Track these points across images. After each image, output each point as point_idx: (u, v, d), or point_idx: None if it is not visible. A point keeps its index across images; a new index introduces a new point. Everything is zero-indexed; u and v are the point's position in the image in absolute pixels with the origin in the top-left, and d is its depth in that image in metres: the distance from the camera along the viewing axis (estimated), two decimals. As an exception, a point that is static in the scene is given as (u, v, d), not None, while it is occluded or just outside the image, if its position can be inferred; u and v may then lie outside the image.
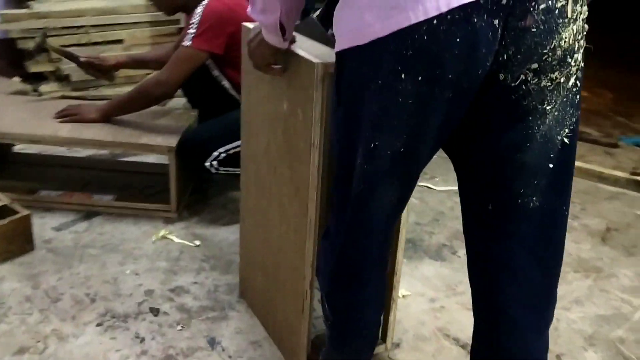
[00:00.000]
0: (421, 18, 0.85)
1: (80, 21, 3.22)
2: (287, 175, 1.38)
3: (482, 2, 0.83)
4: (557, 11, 0.87)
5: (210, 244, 2.07)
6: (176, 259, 1.97)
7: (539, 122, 0.95)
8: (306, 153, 1.27)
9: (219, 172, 2.09)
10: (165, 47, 2.53)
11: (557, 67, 0.91)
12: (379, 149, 0.97)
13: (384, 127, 0.95)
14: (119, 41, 3.40)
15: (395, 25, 0.87)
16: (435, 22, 0.85)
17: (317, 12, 1.34)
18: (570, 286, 1.97)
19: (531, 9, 0.85)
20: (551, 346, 1.58)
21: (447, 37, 0.85)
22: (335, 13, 1.00)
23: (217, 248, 2.04)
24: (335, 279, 1.17)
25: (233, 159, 2.07)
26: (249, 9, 1.19)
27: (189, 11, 2.18)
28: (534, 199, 0.99)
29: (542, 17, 0.86)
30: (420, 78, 0.89)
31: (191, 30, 2.07)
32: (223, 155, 2.06)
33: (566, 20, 0.88)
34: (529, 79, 0.91)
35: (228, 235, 2.13)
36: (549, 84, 0.92)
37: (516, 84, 0.91)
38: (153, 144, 2.11)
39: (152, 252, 2.00)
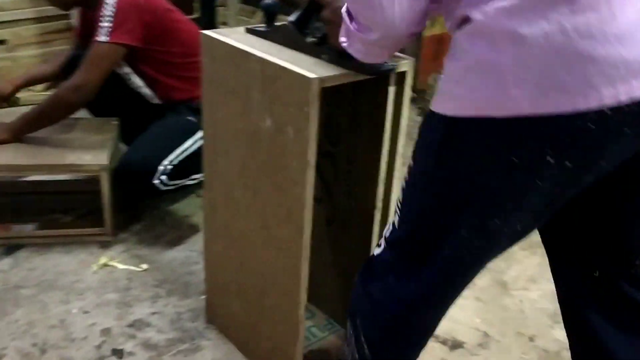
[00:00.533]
0: (593, 105, 0.76)
1: (-46, 22, 2.83)
2: (274, 197, 1.27)
3: None
4: None
5: (159, 266, 1.91)
6: (126, 288, 1.79)
7: None
8: (299, 173, 1.18)
9: (169, 187, 1.92)
10: (60, 56, 2.26)
11: None
12: (496, 226, 0.89)
13: (507, 207, 0.87)
14: (2, 42, 3.03)
15: (553, 107, 0.76)
16: (609, 112, 0.76)
17: (293, 17, 1.23)
18: (522, 265, 2.05)
19: None
20: (521, 329, 1.63)
21: (618, 128, 0.78)
22: (453, 69, 0.87)
23: (168, 270, 1.89)
24: (394, 333, 1.07)
25: (179, 170, 1.93)
26: (340, 37, 1.01)
27: (91, 4, 1.97)
28: None
29: None
30: (570, 164, 0.81)
31: (105, 24, 1.87)
32: (169, 167, 1.90)
33: None
34: None
35: (176, 254, 1.98)
36: None
37: None
38: (82, 163, 1.89)
39: (97, 283, 1.80)
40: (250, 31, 1.35)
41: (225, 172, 1.41)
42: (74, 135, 2.04)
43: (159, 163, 1.89)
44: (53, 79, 2.22)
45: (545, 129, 0.78)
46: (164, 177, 1.90)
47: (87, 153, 1.93)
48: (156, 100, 2.16)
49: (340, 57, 1.12)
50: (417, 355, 1.12)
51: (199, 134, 1.97)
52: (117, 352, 1.55)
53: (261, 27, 1.34)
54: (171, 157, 1.91)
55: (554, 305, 1.83)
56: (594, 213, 0.96)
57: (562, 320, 1.14)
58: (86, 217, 2.07)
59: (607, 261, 0.99)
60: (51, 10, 3.16)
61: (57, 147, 1.95)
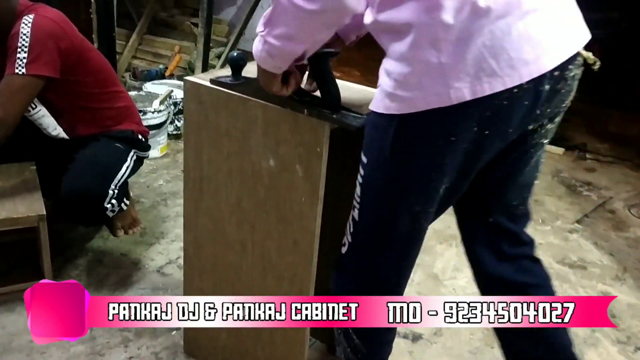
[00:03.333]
0: (516, 83, 0.98)
1: None
2: (276, 230, 1.37)
3: (548, 73, 1.00)
4: (576, 76, 1.09)
5: (115, 309, 1.87)
6: (91, 338, 1.74)
7: (538, 153, 1.19)
8: (309, 207, 1.29)
9: (114, 211, 1.92)
10: None
11: (561, 112, 1.14)
12: (436, 188, 1.09)
13: (444, 171, 1.07)
14: None
15: (488, 89, 0.97)
16: (515, 90, 0.99)
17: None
18: (444, 257, 2.32)
19: (565, 77, 1.05)
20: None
21: (520, 101, 1.01)
22: (397, 74, 1.02)
23: (127, 312, 1.86)
24: None
25: (120, 194, 1.95)
26: (258, 28, 1.11)
27: (2, 34, 1.85)
28: (521, 207, 1.26)
29: (569, 82, 1.07)
30: (487, 132, 1.03)
31: (21, 55, 1.78)
32: (116, 191, 1.91)
33: (576, 82, 1.11)
34: (544, 124, 1.12)
35: (128, 294, 1.95)
36: (553, 126, 1.15)
37: (535, 128, 1.12)
38: (18, 216, 1.79)
39: (58, 338, 1.73)
40: (216, 82, 1.36)
41: (213, 209, 1.46)
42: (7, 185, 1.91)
43: (108, 187, 1.89)
44: None
45: (478, 108, 0.99)
46: (114, 201, 1.90)
47: (20, 204, 1.83)
48: (62, 135, 2.10)
49: (319, 111, 1.22)
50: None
51: (129, 160, 2.03)
52: (109, 404, 1.53)
53: (226, 78, 1.36)
54: (115, 181, 1.93)
55: (481, 289, 2.13)
56: (490, 176, 1.20)
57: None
58: (18, 271, 1.95)
59: (498, 209, 1.25)
60: None
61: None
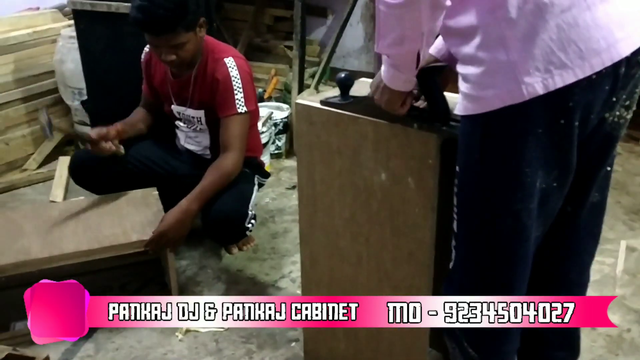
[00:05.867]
0: (588, 73, 1.00)
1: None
2: (391, 242, 1.41)
3: (626, 57, 1.01)
4: None
5: (237, 323, 1.98)
6: (217, 350, 1.86)
7: (615, 144, 1.18)
8: (422, 217, 1.33)
9: (251, 229, 2.18)
10: (138, 113, 2.32)
11: (634, 100, 1.13)
12: (532, 183, 1.09)
13: (536, 165, 1.07)
14: (-8, 126, 3.00)
15: (560, 82, 0.99)
16: (594, 76, 1.00)
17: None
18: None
19: (639, 61, 1.05)
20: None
21: (601, 86, 1.02)
22: (472, 76, 1.06)
23: (248, 325, 1.97)
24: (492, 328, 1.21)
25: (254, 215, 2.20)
26: (376, 47, 1.17)
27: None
28: (597, 194, 1.24)
29: None
30: (576, 123, 1.04)
31: (239, 95, 2.08)
32: (253, 212, 2.16)
33: None
34: (622, 114, 1.12)
35: (247, 308, 2.06)
36: (630, 116, 1.14)
37: (614, 119, 1.12)
38: (146, 238, 1.94)
39: (188, 351, 1.86)
40: (326, 103, 1.43)
41: (328, 225, 1.53)
42: (126, 210, 2.09)
43: (247, 208, 2.12)
44: (141, 127, 2.28)
45: (557, 100, 1.00)
46: (253, 221, 2.16)
47: (148, 227, 1.98)
48: (206, 154, 2.30)
49: (429, 125, 1.25)
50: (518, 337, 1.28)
51: (255, 184, 2.26)
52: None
53: (334, 98, 1.42)
54: (251, 203, 2.16)
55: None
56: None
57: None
58: (146, 289, 2.11)
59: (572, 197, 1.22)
60: (37, 87, 3.16)
61: (118, 227, 2.00)
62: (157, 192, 2.23)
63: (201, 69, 2.13)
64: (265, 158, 3.13)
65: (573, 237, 1.29)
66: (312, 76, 3.66)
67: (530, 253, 1.20)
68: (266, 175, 2.42)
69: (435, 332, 1.45)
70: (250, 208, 2.14)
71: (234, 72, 2.08)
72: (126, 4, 2.49)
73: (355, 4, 3.51)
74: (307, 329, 1.74)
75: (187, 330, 1.94)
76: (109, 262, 2.22)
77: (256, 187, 2.27)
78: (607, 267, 2.22)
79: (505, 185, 1.11)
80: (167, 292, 2.04)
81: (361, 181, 1.41)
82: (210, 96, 2.12)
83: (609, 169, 1.22)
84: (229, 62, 2.10)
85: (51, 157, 3.19)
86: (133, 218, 2.05)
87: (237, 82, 2.07)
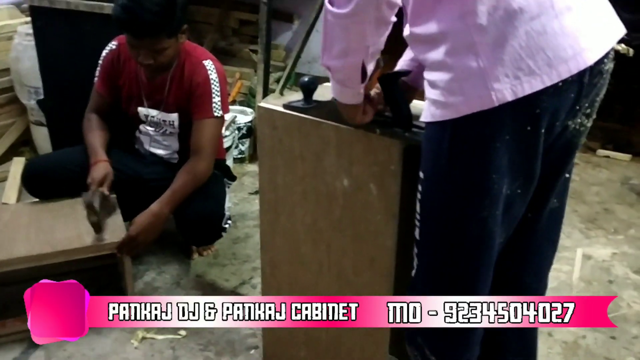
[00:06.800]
0: (555, 80, 1.01)
1: None
2: (352, 248, 1.40)
3: (590, 66, 1.03)
4: (609, 70, 1.10)
5: (196, 329, 1.93)
6: (174, 358, 1.81)
7: (575, 151, 1.20)
8: (384, 224, 1.32)
9: (226, 229, 2.23)
10: (93, 120, 2.18)
11: (595, 108, 1.15)
12: (499, 190, 1.09)
13: (503, 172, 1.07)
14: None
15: (528, 89, 1.00)
16: (560, 84, 1.01)
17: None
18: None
19: (601, 70, 1.08)
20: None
21: (567, 94, 1.04)
22: (440, 82, 1.05)
23: (206, 331, 1.92)
24: (456, 334, 1.20)
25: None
26: (321, 60, 1.17)
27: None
28: (556, 201, 1.25)
29: (605, 76, 1.10)
30: (542, 130, 1.05)
31: (216, 99, 2.06)
32: (228, 213, 2.19)
33: (609, 75, 1.12)
34: (583, 122, 1.14)
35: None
36: (590, 124, 1.17)
37: (576, 127, 1.13)
38: (101, 243, 1.89)
39: (144, 358, 1.81)
40: (289, 107, 1.41)
41: (289, 231, 1.51)
42: (81, 214, 2.02)
43: (223, 209, 2.15)
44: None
45: (524, 106, 1.00)
46: (229, 221, 2.23)
47: (103, 231, 1.93)
48: (172, 158, 2.25)
49: (392, 130, 1.25)
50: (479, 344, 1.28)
51: (225, 185, 2.28)
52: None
53: (298, 102, 1.41)
54: (226, 204, 2.20)
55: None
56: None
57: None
58: (105, 290, 2.05)
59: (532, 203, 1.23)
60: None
61: (72, 230, 1.93)
62: (115, 196, 2.18)
63: (178, 71, 2.08)
64: (228, 162, 3.10)
65: (532, 243, 1.30)
66: (277, 81, 3.64)
67: (494, 259, 1.20)
68: (233, 178, 2.41)
69: (395, 339, 1.45)
70: (226, 208, 2.16)
71: (213, 76, 2.06)
72: (85, 2, 2.44)
73: (322, 10, 3.51)
74: (266, 335, 1.72)
75: (143, 337, 1.89)
76: (63, 267, 2.17)
77: (227, 188, 2.30)
78: (563, 275, 2.27)
79: (473, 192, 1.10)
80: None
81: (324, 187, 1.40)
82: (187, 99, 2.08)
83: (567, 175, 1.24)
84: (209, 65, 2.07)
85: (5, 158, 3.09)
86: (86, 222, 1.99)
87: (215, 86, 2.06)
